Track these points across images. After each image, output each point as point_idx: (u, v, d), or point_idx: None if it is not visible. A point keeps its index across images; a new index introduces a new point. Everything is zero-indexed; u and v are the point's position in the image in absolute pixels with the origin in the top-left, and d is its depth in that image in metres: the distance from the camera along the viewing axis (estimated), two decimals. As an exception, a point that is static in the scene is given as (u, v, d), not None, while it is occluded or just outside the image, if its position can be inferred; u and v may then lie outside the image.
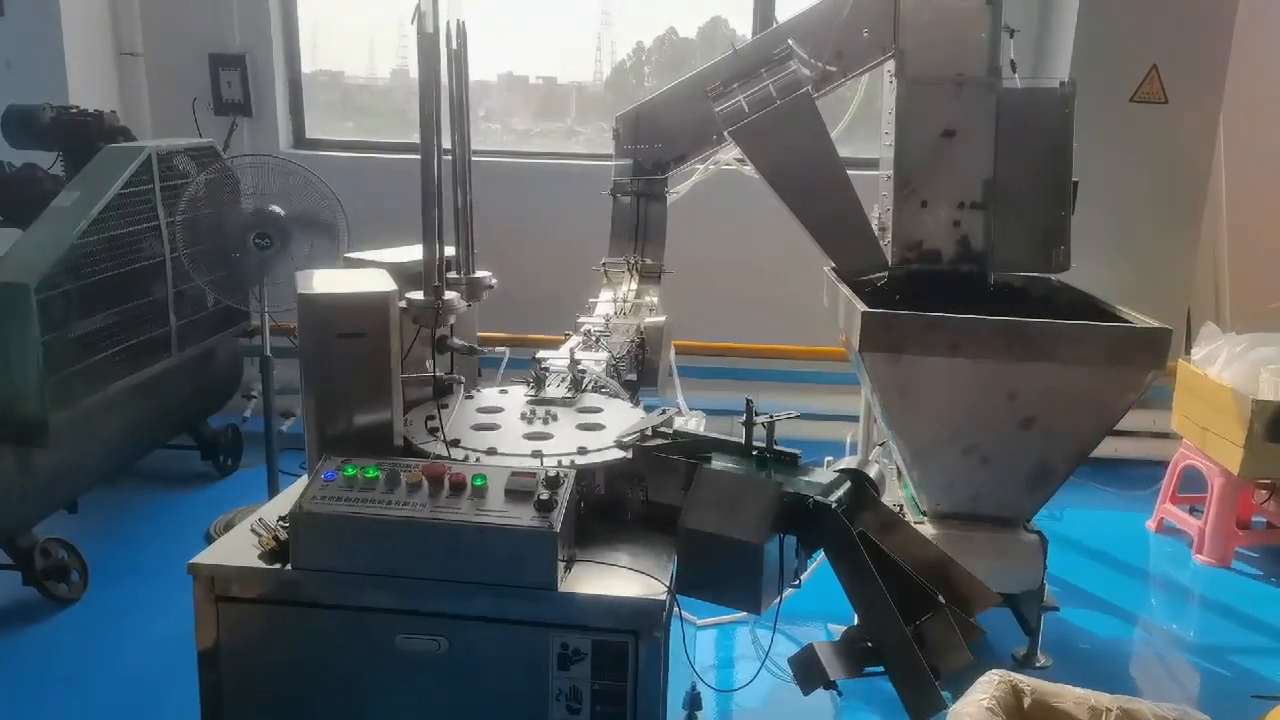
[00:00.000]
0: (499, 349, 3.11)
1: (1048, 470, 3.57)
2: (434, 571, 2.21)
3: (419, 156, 2.62)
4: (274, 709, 2.35)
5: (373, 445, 2.46)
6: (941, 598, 2.33)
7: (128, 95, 6.17)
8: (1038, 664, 3.87)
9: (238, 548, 2.34)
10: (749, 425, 2.58)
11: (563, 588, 2.20)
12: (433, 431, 2.61)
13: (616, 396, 3.06)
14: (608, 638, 2.20)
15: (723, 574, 2.28)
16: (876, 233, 4.23)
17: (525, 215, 5.97)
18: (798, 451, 2.54)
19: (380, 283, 2.51)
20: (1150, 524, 5.33)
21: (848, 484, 2.45)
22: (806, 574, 2.56)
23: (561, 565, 2.22)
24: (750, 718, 3.53)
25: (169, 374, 4.78)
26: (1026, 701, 2.55)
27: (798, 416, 2.63)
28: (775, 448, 2.54)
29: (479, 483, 2.26)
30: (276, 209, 4.49)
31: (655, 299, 4.39)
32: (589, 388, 3.08)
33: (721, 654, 3.89)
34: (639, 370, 4.05)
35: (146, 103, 6.23)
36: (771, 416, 2.59)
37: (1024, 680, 2.60)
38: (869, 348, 3.43)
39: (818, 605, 3.34)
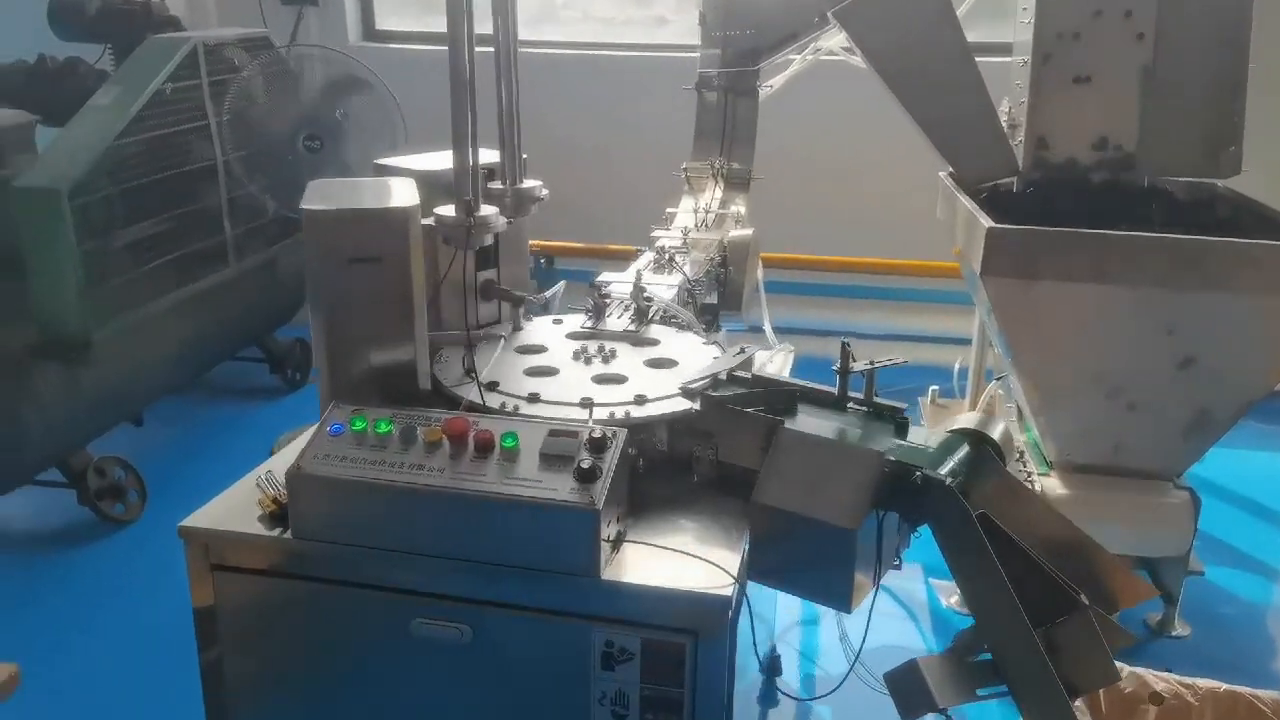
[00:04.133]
0: (551, 289, 2.66)
1: (1208, 419, 3.00)
2: (454, 549, 1.83)
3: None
4: (280, 689, 2.04)
5: (394, 390, 2.08)
6: (1084, 595, 1.86)
7: (192, -18, 5.82)
8: (1174, 633, 3.37)
9: (239, 507, 2.00)
10: (844, 373, 2.12)
11: (606, 574, 1.79)
12: (469, 372, 2.21)
13: (688, 329, 2.60)
14: (660, 636, 1.79)
15: (806, 562, 1.85)
16: (1005, 131, 3.62)
17: (605, 115, 5.47)
18: (903, 406, 2.07)
19: (402, 195, 2.09)
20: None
21: (964, 449, 1.97)
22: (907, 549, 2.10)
23: (607, 546, 1.81)
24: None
25: (227, 286, 4.50)
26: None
27: (903, 362, 2.15)
28: (876, 400, 2.08)
29: (509, 443, 1.86)
30: (329, 106, 4.11)
31: (742, 209, 3.88)
32: (655, 318, 2.64)
33: (808, 610, 3.48)
34: (720, 292, 3.59)
35: (211, -10, 5.87)
36: (872, 362, 2.11)
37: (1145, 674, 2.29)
38: (994, 270, 2.88)
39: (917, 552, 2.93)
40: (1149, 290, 2.81)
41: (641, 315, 2.62)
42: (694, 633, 1.78)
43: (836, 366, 2.15)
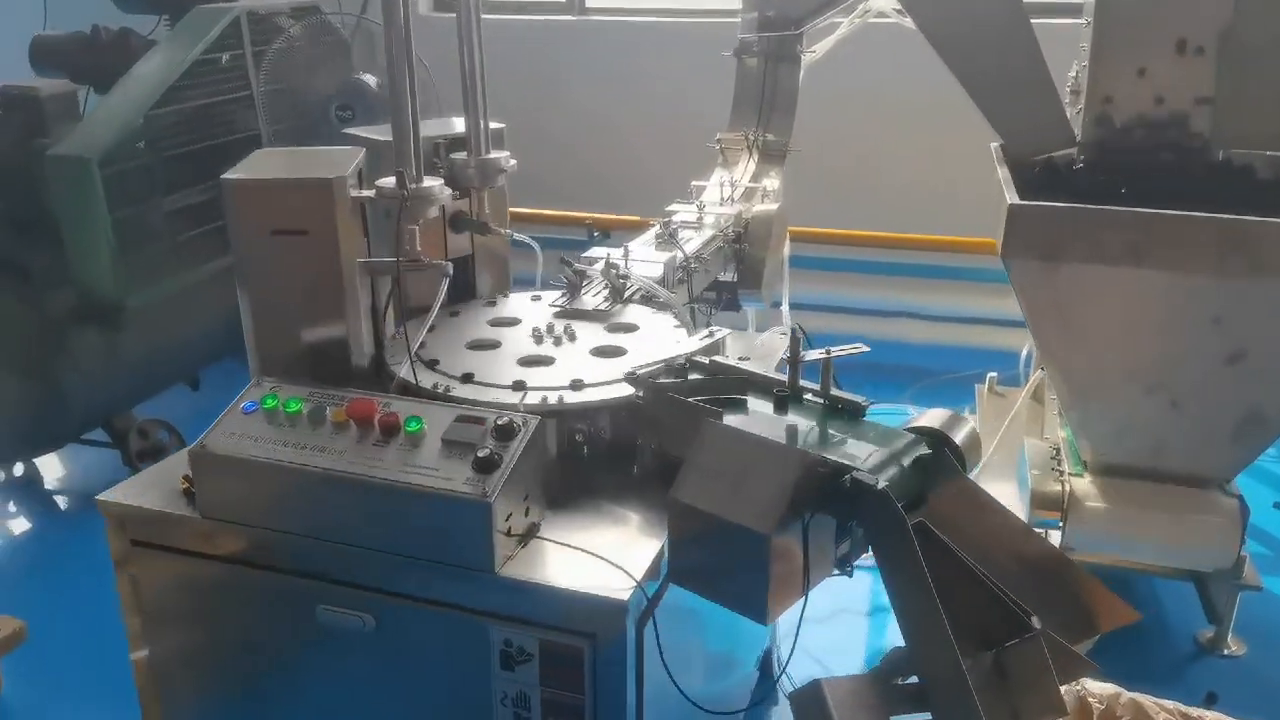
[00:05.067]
0: (530, 240, 2.52)
1: (1259, 419, 2.69)
2: (354, 535, 1.76)
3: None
4: (196, 666, 2.01)
5: (326, 369, 2.01)
6: (1036, 619, 1.66)
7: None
8: (1227, 651, 3.07)
9: (162, 482, 1.97)
10: (794, 362, 1.95)
11: (505, 571, 1.69)
12: (414, 351, 2.12)
13: (666, 309, 2.45)
14: (558, 639, 1.68)
15: (722, 566, 1.70)
16: (1067, 99, 3.33)
17: (636, 84, 5.29)
18: (862, 400, 1.89)
19: (336, 165, 2.01)
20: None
21: (919, 451, 1.78)
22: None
23: (509, 541, 1.71)
24: None
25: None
26: (1095, 715, 2.00)
27: (863, 350, 1.97)
28: (834, 393, 1.91)
29: (413, 428, 1.76)
30: (367, 78, 4.08)
31: (776, 183, 3.69)
32: (635, 297, 2.50)
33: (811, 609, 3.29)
34: (738, 269, 3.42)
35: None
36: (828, 351, 1.94)
37: (1095, 689, 2.21)
38: (1017, 251, 2.63)
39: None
40: (1192, 276, 2.52)
41: (617, 294, 2.48)
42: (591, 636, 1.66)
43: (785, 354, 1.98)
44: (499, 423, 1.75)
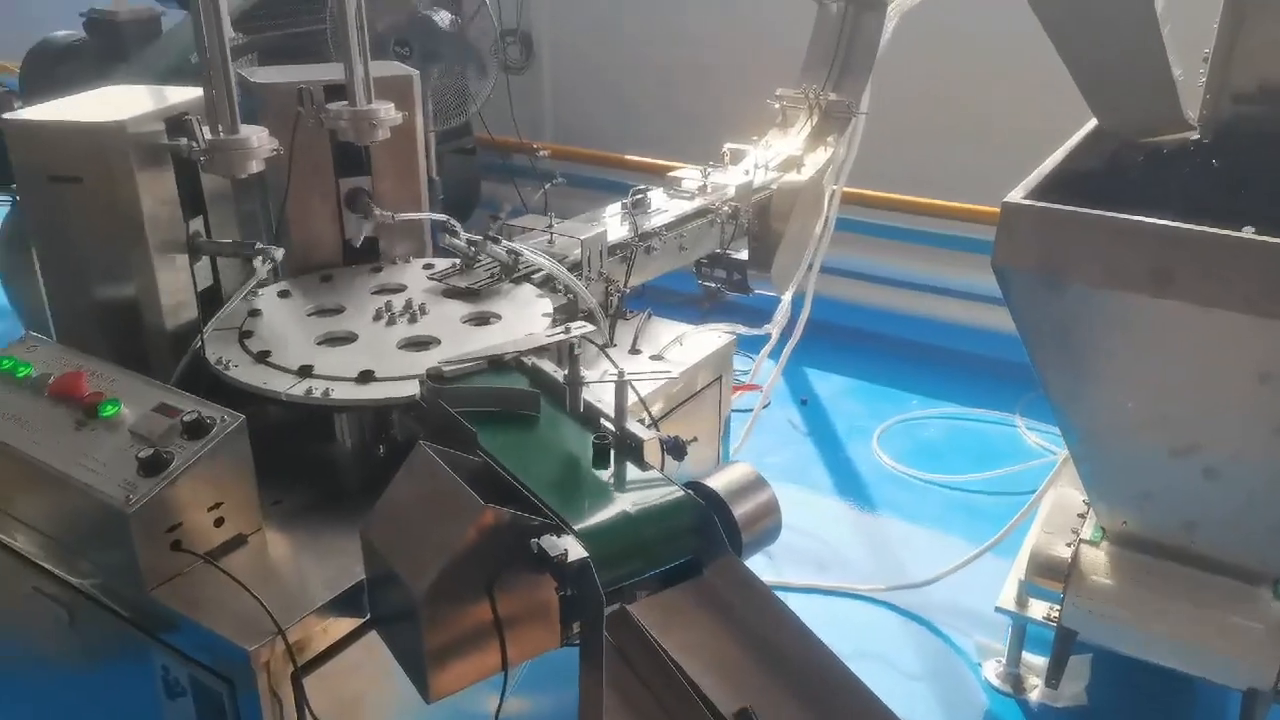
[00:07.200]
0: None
1: (1325, 510, 2.03)
2: (43, 523, 1.60)
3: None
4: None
5: (119, 332, 1.85)
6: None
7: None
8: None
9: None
10: (574, 384, 1.59)
11: (161, 592, 1.47)
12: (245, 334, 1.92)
13: (557, 295, 2.13)
14: (204, 678, 1.46)
15: (396, 621, 1.41)
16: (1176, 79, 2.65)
17: (695, 27, 4.85)
18: (644, 437, 1.51)
19: (131, 106, 1.82)
20: None
21: (681, 514, 1.40)
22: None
23: (181, 557, 1.49)
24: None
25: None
26: None
27: (672, 375, 1.58)
28: (623, 425, 1.54)
29: (108, 412, 1.57)
30: (439, 17, 3.90)
31: (835, 151, 3.17)
32: (533, 277, 2.18)
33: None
34: (751, 246, 2.99)
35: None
36: (623, 374, 1.56)
37: None
38: (1009, 258, 2.08)
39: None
40: (1232, 315, 1.89)
41: (507, 270, 2.18)
42: (229, 682, 1.42)
43: (564, 375, 1.62)
44: (191, 418, 1.52)
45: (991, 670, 2.73)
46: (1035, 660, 2.66)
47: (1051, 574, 2.35)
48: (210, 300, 1.98)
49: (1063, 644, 2.37)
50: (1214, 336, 1.94)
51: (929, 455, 3.76)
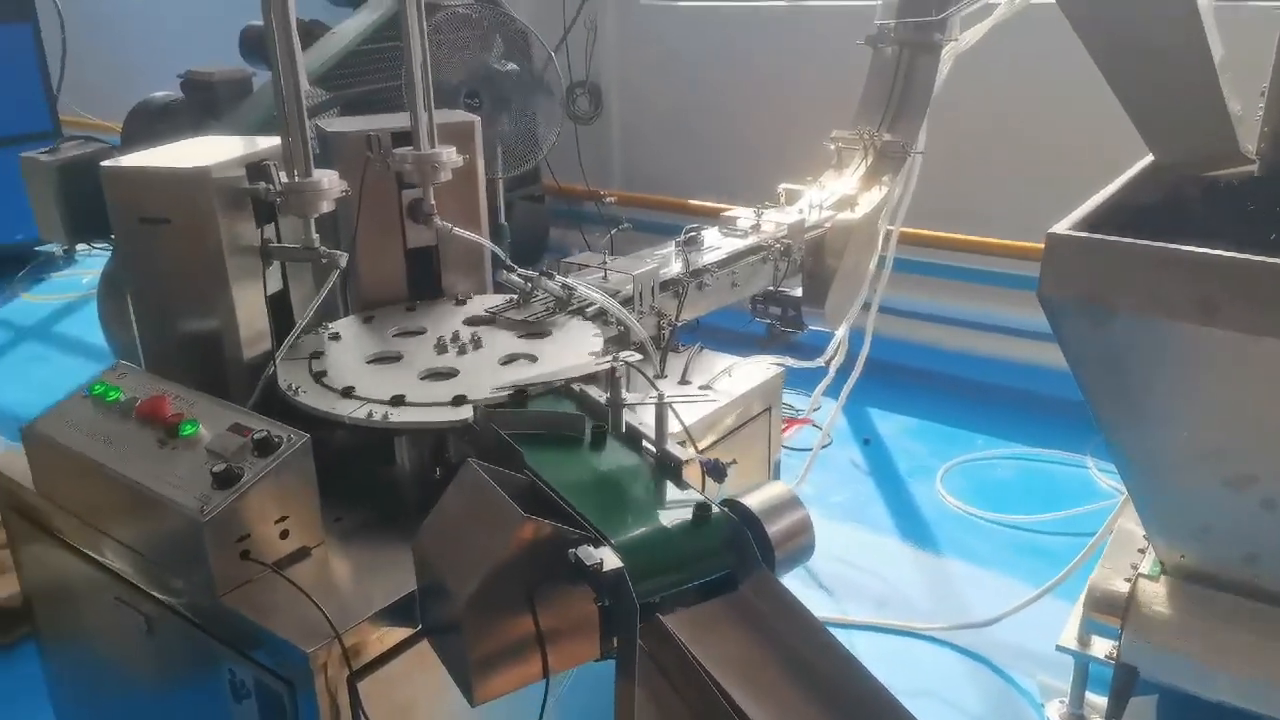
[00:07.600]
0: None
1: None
2: (128, 535, 1.72)
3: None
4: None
5: (201, 361, 1.99)
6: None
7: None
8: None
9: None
10: (615, 405, 1.66)
11: (230, 598, 1.57)
12: (316, 360, 2.04)
13: (609, 326, 2.21)
14: (267, 680, 1.55)
15: (444, 629, 1.48)
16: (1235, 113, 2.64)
17: (758, 75, 4.90)
18: (682, 458, 1.58)
19: (216, 154, 1.98)
20: None
21: (717, 530, 1.46)
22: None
23: (250, 566, 1.59)
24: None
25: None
26: None
27: (711, 399, 1.65)
28: (664, 448, 1.61)
29: (188, 431, 1.69)
30: (501, 65, 4.08)
31: (891, 190, 3.22)
32: (588, 312, 2.27)
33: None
34: (804, 283, 3.05)
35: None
36: (662, 396, 1.64)
37: None
38: (1054, 288, 2.11)
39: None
40: (1282, 343, 1.89)
41: (561, 304, 2.27)
42: (290, 683, 1.51)
43: (607, 397, 1.70)
44: (260, 436, 1.63)
45: (1055, 711, 2.68)
46: (1099, 700, 2.61)
47: (1109, 609, 2.32)
48: (279, 305, 2.09)
49: (1122, 680, 2.33)
50: (1264, 365, 1.93)
51: (995, 496, 3.72)
